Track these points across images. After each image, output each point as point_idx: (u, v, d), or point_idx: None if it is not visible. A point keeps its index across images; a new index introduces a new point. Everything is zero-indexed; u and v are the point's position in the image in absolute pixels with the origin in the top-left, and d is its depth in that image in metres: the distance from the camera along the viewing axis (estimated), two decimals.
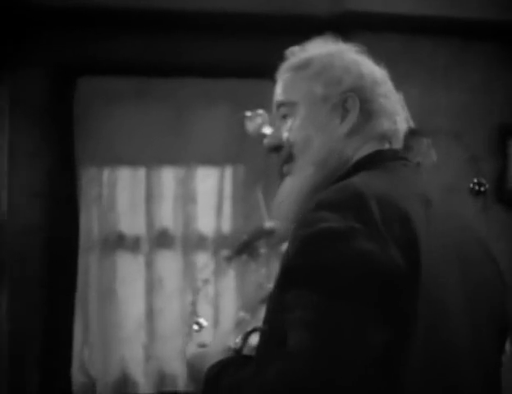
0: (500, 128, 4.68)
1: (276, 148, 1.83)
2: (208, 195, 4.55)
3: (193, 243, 4.54)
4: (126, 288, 4.51)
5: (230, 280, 4.45)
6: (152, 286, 4.52)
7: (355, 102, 1.78)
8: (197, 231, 4.57)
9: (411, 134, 3.92)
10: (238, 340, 1.82)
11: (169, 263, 4.53)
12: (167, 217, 4.57)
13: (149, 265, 4.53)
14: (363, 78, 1.80)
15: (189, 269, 4.53)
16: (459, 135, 4.56)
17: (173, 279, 4.53)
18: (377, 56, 4.70)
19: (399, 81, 4.55)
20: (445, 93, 4.74)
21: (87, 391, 4.46)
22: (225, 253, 3.82)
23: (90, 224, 4.54)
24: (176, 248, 4.56)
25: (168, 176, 4.57)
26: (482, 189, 3.90)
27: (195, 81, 4.59)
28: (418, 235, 1.61)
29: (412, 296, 1.58)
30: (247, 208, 4.55)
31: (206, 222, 4.56)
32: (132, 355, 4.45)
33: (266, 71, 4.69)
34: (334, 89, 1.79)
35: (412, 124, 3.92)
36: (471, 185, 4.03)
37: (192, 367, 1.85)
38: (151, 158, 4.56)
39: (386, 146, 1.83)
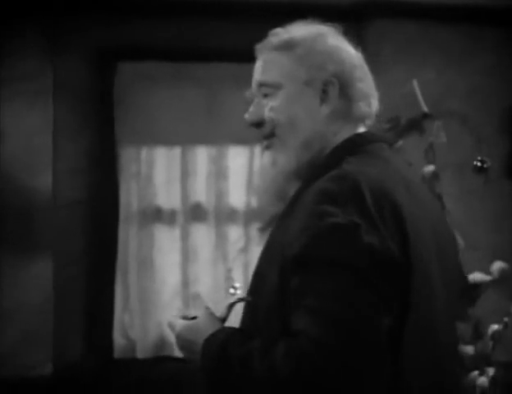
0: (510, 109, 4.92)
1: (258, 124, 1.83)
2: (238, 172, 4.68)
3: (224, 216, 4.67)
4: (163, 258, 4.64)
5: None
6: (187, 256, 4.64)
7: (336, 86, 1.79)
8: (228, 205, 4.68)
9: (424, 116, 4.16)
10: (223, 309, 1.84)
11: (202, 235, 4.66)
12: (201, 192, 4.67)
13: (184, 237, 4.66)
14: (343, 63, 1.81)
15: (221, 241, 4.66)
16: (469, 116, 4.78)
17: (206, 250, 4.65)
18: (395, 42, 4.92)
19: (416, 66, 4.80)
20: (459, 77, 4.81)
21: (127, 353, 4.60)
22: (258, 225, 4.02)
23: (129, 199, 4.67)
24: (209, 221, 4.69)
25: (202, 155, 4.69)
26: (485, 166, 4.12)
27: (227, 66, 4.69)
28: (407, 224, 1.66)
29: (407, 283, 1.64)
30: None
31: (237, 197, 4.68)
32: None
33: None
34: (316, 74, 1.79)
35: (425, 108, 4.15)
36: (474, 163, 4.26)
37: (183, 339, 1.82)
38: (186, 137, 4.66)
39: (362, 128, 1.84)
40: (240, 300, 1.84)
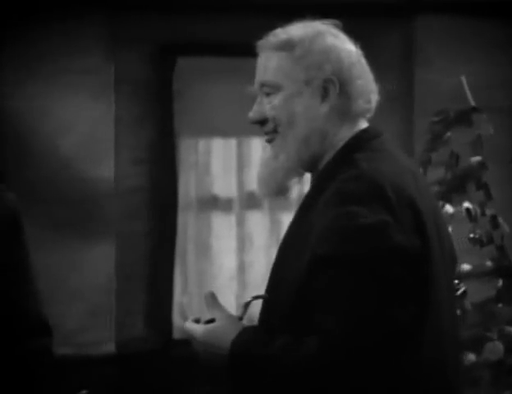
0: None
1: (261, 122, 1.85)
2: None
3: (278, 204, 4.70)
4: (220, 243, 4.80)
5: None
6: (242, 242, 4.81)
7: (335, 85, 1.81)
8: None
9: (472, 110, 4.27)
10: (240, 308, 1.82)
11: (257, 222, 4.81)
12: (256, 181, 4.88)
13: (240, 223, 4.82)
14: (341, 61, 1.82)
15: (275, 227, 4.79)
16: None
17: (261, 236, 4.80)
18: (443, 36, 5.02)
19: (463, 60, 4.89)
20: (505, 70, 4.89)
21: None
22: None
23: (188, 187, 4.83)
24: (264, 208, 4.83)
25: (256, 145, 4.78)
26: None
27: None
28: (423, 216, 1.72)
29: (429, 278, 1.70)
30: None
31: None
32: (225, 303, 4.76)
33: None
34: (315, 73, 1.81)
35: (472, 101, 4.25)
36: None
37: (206, 344, 1.78)
38: (241, 129, 4.72)
39: (364, 124, 1.85)
40: (257, 297, 1.82)
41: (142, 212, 4.86)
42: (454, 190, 4.20)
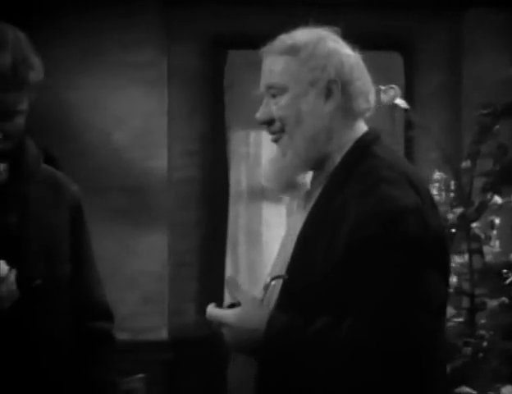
0: None
1: (268, 122, 1.91)
2: None
3: None
4: (270, 232, 4.84)
5: None
6: None
7: (338, 85, 1.89)
8: None
9: None
10: (260, 291, 1.83)
11: None
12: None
13: (290, 213, 4.87)
14: (342, 64, 1.90)
15: None
16: None
17: None
18: (492, 30, 5.00)
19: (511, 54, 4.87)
20: None
21: None
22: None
23: (239, 178, 4.91)
24: None
25: None
26: None
27: None
28: (434, 201, 1.85)
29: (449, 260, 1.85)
30: None
31: None
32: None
33: (391, 44, 5.09)
34: (320, 75, 1.88)
35: None
36: None
37: (238, 328, 1.79)
38: None
39: (363, 124, 1.94)
40: (277, 277, 1.84)
41: (194, 202, 4.93)
42: (502, 181, 4.20)
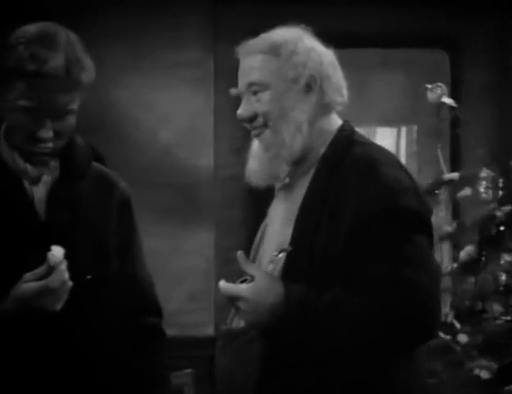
0: None
1: (250, 119, 2.01)
2: None
3: None
4: None
5: None
6: None
7: (317, 81, 1.98)
8: None
9: None
10: (268, 265, 1.93)
11: None
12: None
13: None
14: (320, 61, 2.01)
15: None
16: None
17: None
18: None
19: None
20: None
21: None
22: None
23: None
24: None
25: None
26: None
27: (374, 51, 4.85)
28: None
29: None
30: (419, 163, 4.82)
31: None
32: None
33: (436, 42, 5.06)
34: (301, 71, 1.98)
35: None
36: None
37: (256, 301, 1.84)
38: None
39: (336, 115, 2.05)
40: (282, 251, 1.92)
41: (240, 199, 4.93)
42: None
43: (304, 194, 1.97)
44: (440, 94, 3.35)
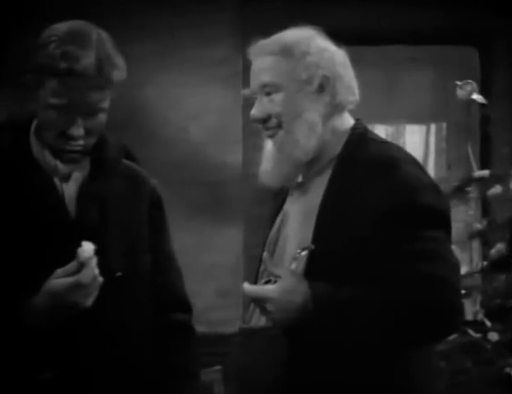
0: None
1: (264, 119, 2.02)
2: (414, 148, 4.79)
3: None
4: None
5: None
6: None
7: (330, 81, 1.98)
8: None
9: None
10: (291, 263, 1.94)
11: None
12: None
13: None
14: (332, 61, 2.00)
15: None
16: None
17: None
18: None
19: None
20: None
21: None
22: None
23: None
24: None
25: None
26: None
27: (403, 48, 4.83)
28: None
29: None
30: (449, 160, 4.86)
31: None
32: None
33: (466, 39, 5.03)
34: (314, 72, 1.98)
35: None
36: None
37: (284, 301, 1.85)
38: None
39: (348, 114, 2.05)
40: (304, 249, 1.93)
41: (268, 196, 4.88)
42: None
43: (324, 193, 1.97)
44: (470, 91, 3.33)
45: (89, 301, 1.89)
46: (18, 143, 2.03)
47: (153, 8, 4.89)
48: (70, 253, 1.88)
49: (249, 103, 5.13)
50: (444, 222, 1.93)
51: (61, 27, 1.97)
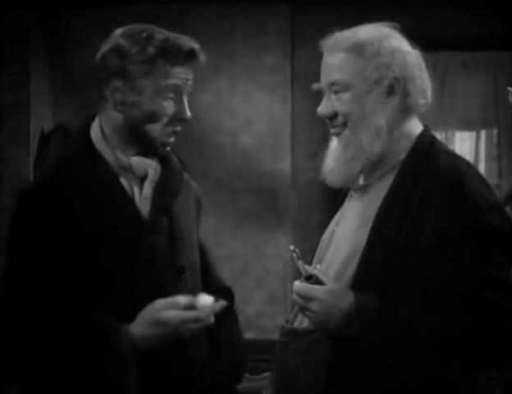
0: None
1: (330, 117, 1.95)
2: (465, 155, 4.68)
3: None
4: None
5: None
6: None
7: (400, 83, 1.91)
8: None
9: None
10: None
11: None
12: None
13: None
14: (405, 62, 1.92)
15: None
16: None
17: None
18: None
19: None
20: None
21: None
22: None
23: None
24: None
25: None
26: None
27: (455, 54, 4.80)
28: None
29: None
30: (500, 167, 4.76)
31: None
32: None
33: None
34: (384, 73, 1.91)
35: None
36: None
37: (327, 304, 1.82)
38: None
39: (417, 118, 1.99)
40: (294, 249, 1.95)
41: (317, 203, 4.91)
42: None
43: (384, 198, 1.92)
44: None
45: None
46: (83, 145, 2.00)
47: (204, 17, 4.92)
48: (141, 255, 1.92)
49: (298, 112, 5.14)
50: (506, 245, 1.86)
51: (150, 26, 2.07)
